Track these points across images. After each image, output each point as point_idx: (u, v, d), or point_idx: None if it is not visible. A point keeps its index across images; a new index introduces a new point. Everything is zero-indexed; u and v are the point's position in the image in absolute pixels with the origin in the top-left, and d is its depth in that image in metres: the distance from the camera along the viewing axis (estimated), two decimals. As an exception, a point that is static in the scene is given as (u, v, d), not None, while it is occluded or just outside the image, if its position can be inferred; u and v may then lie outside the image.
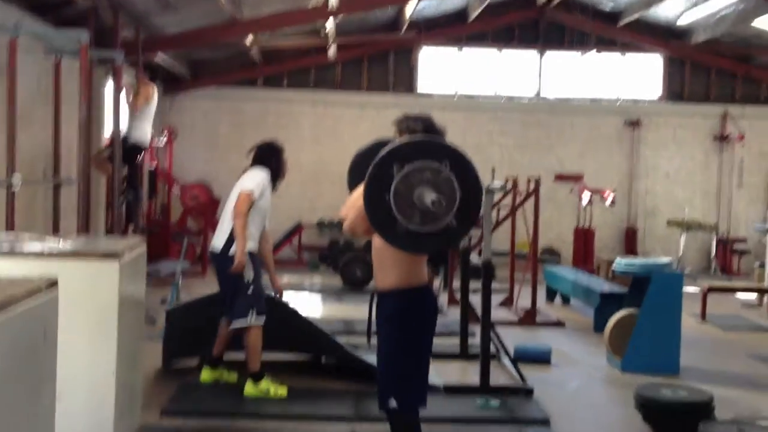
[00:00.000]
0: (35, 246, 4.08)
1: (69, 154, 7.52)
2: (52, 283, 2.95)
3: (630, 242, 13.82)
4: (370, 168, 3.28)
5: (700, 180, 14.14)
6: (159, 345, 6.66)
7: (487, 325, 5.56)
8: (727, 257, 13.41)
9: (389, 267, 3.50)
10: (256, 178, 5.35)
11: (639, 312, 6.37)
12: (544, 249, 13.59)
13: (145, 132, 8.57)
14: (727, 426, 4.47)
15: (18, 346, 2.58)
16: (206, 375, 5.47)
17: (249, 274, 5.25)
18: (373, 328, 3.72)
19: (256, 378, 5.25)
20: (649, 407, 4.79)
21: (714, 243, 13.29)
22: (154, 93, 8.68)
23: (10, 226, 5.90)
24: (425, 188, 3.14)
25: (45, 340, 2.89)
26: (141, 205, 9.11)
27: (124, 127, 8.72)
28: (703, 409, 4.70)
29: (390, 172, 3.20)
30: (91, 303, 3.95)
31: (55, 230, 6.72)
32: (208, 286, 9.88)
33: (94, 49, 7.40)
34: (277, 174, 5.52)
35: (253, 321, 5.24)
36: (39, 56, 7.20)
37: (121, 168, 7.67)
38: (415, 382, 3.56)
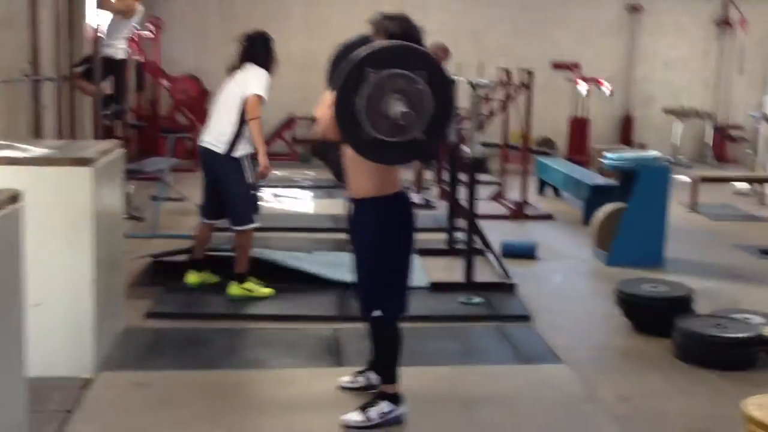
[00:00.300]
0: (6, 152, 4.01)
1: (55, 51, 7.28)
2: (16, 196, 2.90)
3: (626, 131, 13.68)
4: (344, 69, 3.17)
5: (700, 67, 13.86)
6: (148, 243, 6.73)
7: (472, 223, 5.54)
8: (722, 145, 13.31)
9: (363, 174, 3.42)
10: (261, 80, 5.15)
11: (626, 206, 6.35)
12: (540, 139, 13.47)
13: (115, 47, 7.88)
14: (704, 320, 4.51)
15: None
16: (193, 278, 5.47)
17: (250, 177, 5.20)
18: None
19: (242, 279, 5.28)
20: (628, 302, 4.83)
21: (709, 131, 13.16)
22: (136, 11, 8.04)
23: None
24: (397, 98, 3.04)
25: (11, 251, 2.87)
26: (125, 115, 8.75)
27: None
28: (682, 303, 4.74)
29: (363, 76, 3.09)
30: (64, 210, 3.92)
31: (37, 134, 6.59)
32: (199, 181, 9.87)
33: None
34: (269, 69, 5.29)
35: (256, 223, 5.28)
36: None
37: (100, 81, 7.23)
38: (399, 290, 3.55)
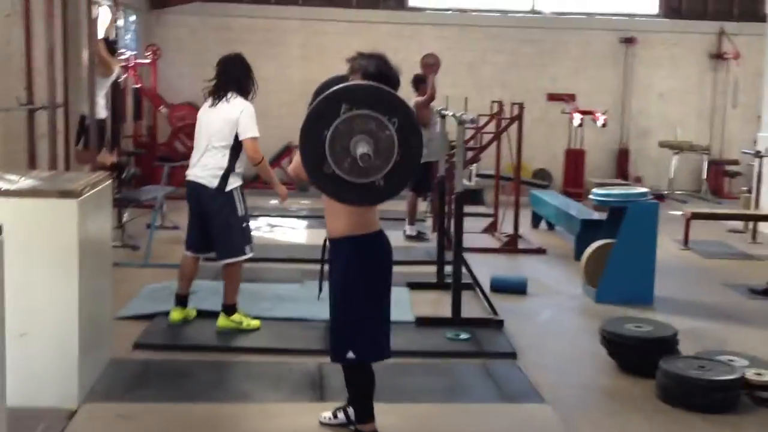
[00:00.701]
0: (-6, 184, 4.05)
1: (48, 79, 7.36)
2: (-3, 227, 2.93)
3: (622, 164, 13.76)
4: (316, 101, 3.17)
5: (694, 100, 13.97)
6: (141, 272, 6.76)
7: (459, 257, 5.56)
8: (718, 180, 13.37)
9: (340, 213, 3.43)
10: (252, 118, 5.08)
11: (614, 242, 6.37)
12: (536, 171, 13.56)
13: (98, 105, 8.03)
14: (688, 361, 4.51)
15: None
16: (176, 315, 5.39)
17: (241, 209, 5.21)
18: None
19: (230, 311, 5.30)
20: (612, 342, 4.84)
21: (705, 165, 13.22)
22: (115, 70, 8.28)
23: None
24: (363, 139, 3.03)
25: (-8, 283, 2.89)
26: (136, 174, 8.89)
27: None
28: (667, 344, 4.74)
29: (336, 110, 3.05)
30: (50, 241, 3.96)
31: (32, 162, 6.62)
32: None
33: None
34: (249, 92, 5.20)
35: (248, 254, 5.29)
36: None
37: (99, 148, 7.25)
38: (373, 333, 3.53)
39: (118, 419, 3.93)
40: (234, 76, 5.17)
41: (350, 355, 3.48)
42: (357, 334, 3.49)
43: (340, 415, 3.86)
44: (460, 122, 5.48)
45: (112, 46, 8.38)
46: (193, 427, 3.89)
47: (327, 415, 3.90)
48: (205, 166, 5.16)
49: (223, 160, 5.12)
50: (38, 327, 3.96)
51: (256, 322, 5.32)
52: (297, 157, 3.39)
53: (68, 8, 7.65)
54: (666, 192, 12.90)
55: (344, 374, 3.63)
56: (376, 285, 3.50)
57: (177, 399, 4.20)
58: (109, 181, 4.65)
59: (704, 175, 13.18)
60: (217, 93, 5.16)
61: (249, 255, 5.32)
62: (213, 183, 5.13)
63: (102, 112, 8.17)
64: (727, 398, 4.27)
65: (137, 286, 6.23)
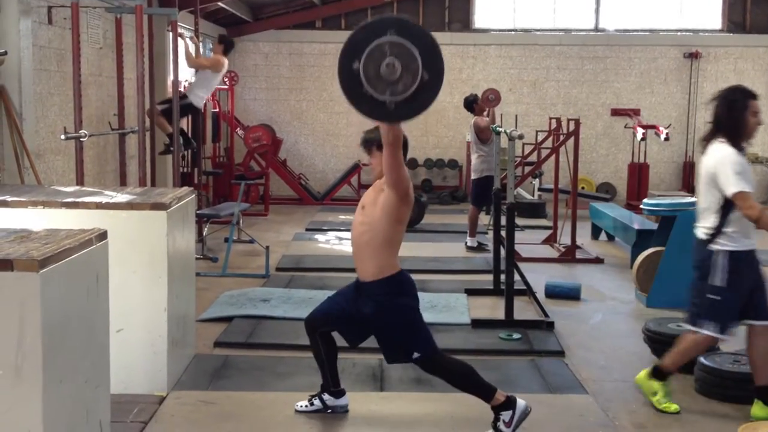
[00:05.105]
0: (95, 198, 4.65)
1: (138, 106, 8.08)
2: (102, 235, 3.47)
3: (687, 177, 13.85)
4: (347, 40, 3.41)
5: (762, 113, 13.95)
6: (220, 281, 7.33)
7: (511, 263, 5.95)
8: (785, 190, 13.37)
9: (367, 258, 4.00)
10: (731, 165, 4.12)
11: (664, 250, 6.65)
12: (600, 185, 13.80)
13: (198, 96, 9.17)
14: (725, 356, 4.80)
15: (74, 287, 3.12)
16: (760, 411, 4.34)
17: (721, 279, 4.27)
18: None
19: (654, 373, 4.57)
20: (654, 340, 5.14)
21: (771, 176, 13.25)
22: (224, 66, 9.23)
23: (80, 175, 6.47)
24: (389, 60, 3.29)
25: (98, 282, 3.41)
26: (200, 156, 9.76)
27: (186, 83, 9.39)
28: (706, 342, 5.02)
29: (363, 42, 3.32)
30: (143, 248, 4.50)
31: (122, 180, 7.28)
32: (270, 225, 10.52)
33: (150, 7, 7.88)
34: (735, 132, 4.25)
35: (705, 331, 4.39)
36: (104, 13, 7.79)
37: (178, 122, 8.11)
38: (426, 333, 4.08)
39: (202, 404, 4.45)
40: (717, 116, 4.35)
41: (416, 355, 4.01)
42: (414, 340, 4.03)
43: (316, 402, 4.34)
44: (511, 138, 5.88)
45: (228, 44, 9.45)
46: (267, 411, 4.38)
47: (302, 403, 4.37)
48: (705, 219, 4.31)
49: (714, 217, 4.25)
50: (133, 324, 4.51)
51: (673, 407, 4.44)
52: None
53: (155, 40, 8.35)
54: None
55: (425, 370, 4.14)
56: (414, 308, 4.07)
57: (252, 388, 4.71)
58: (193, 196, 5.21)
59: (771, 187, 13.20)
60: (706, 137, 4.40)
61: (706, 332, 4.34)
62: (701, 235, 4.36)
63: (200, 102, 9.28)
64: (761, 390, 4.52)
65: (216, 293, 6.79)
